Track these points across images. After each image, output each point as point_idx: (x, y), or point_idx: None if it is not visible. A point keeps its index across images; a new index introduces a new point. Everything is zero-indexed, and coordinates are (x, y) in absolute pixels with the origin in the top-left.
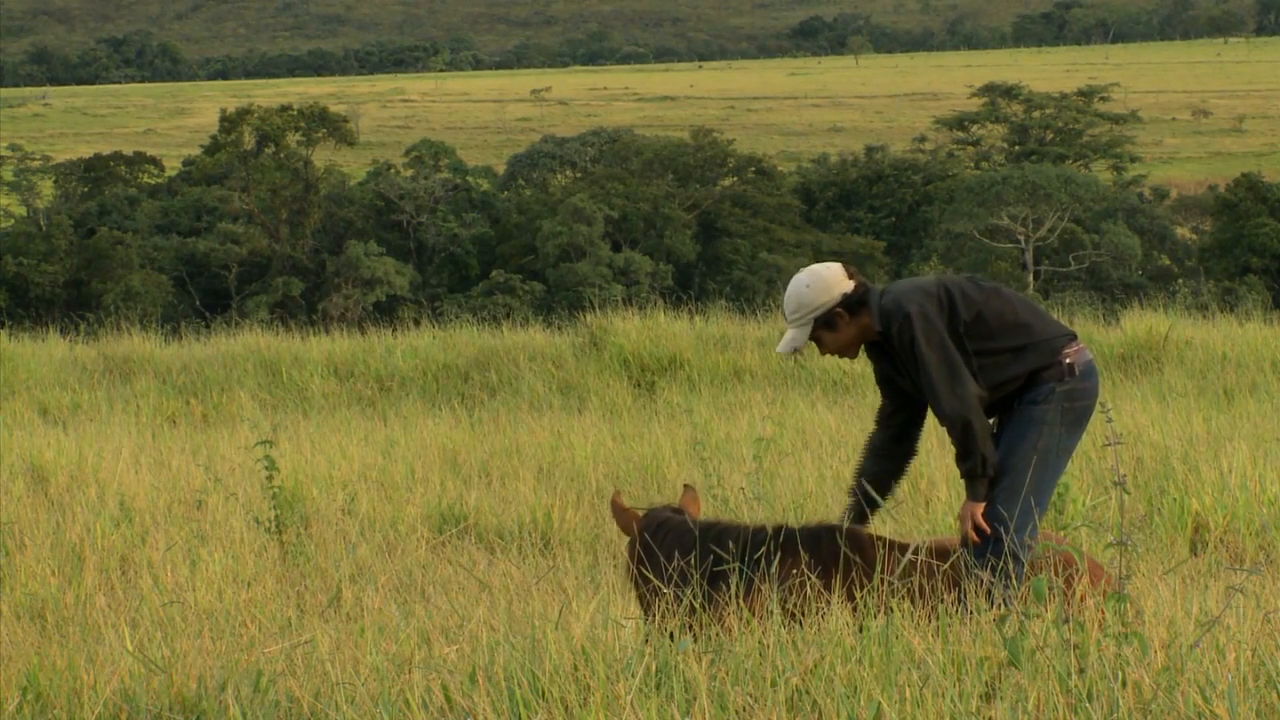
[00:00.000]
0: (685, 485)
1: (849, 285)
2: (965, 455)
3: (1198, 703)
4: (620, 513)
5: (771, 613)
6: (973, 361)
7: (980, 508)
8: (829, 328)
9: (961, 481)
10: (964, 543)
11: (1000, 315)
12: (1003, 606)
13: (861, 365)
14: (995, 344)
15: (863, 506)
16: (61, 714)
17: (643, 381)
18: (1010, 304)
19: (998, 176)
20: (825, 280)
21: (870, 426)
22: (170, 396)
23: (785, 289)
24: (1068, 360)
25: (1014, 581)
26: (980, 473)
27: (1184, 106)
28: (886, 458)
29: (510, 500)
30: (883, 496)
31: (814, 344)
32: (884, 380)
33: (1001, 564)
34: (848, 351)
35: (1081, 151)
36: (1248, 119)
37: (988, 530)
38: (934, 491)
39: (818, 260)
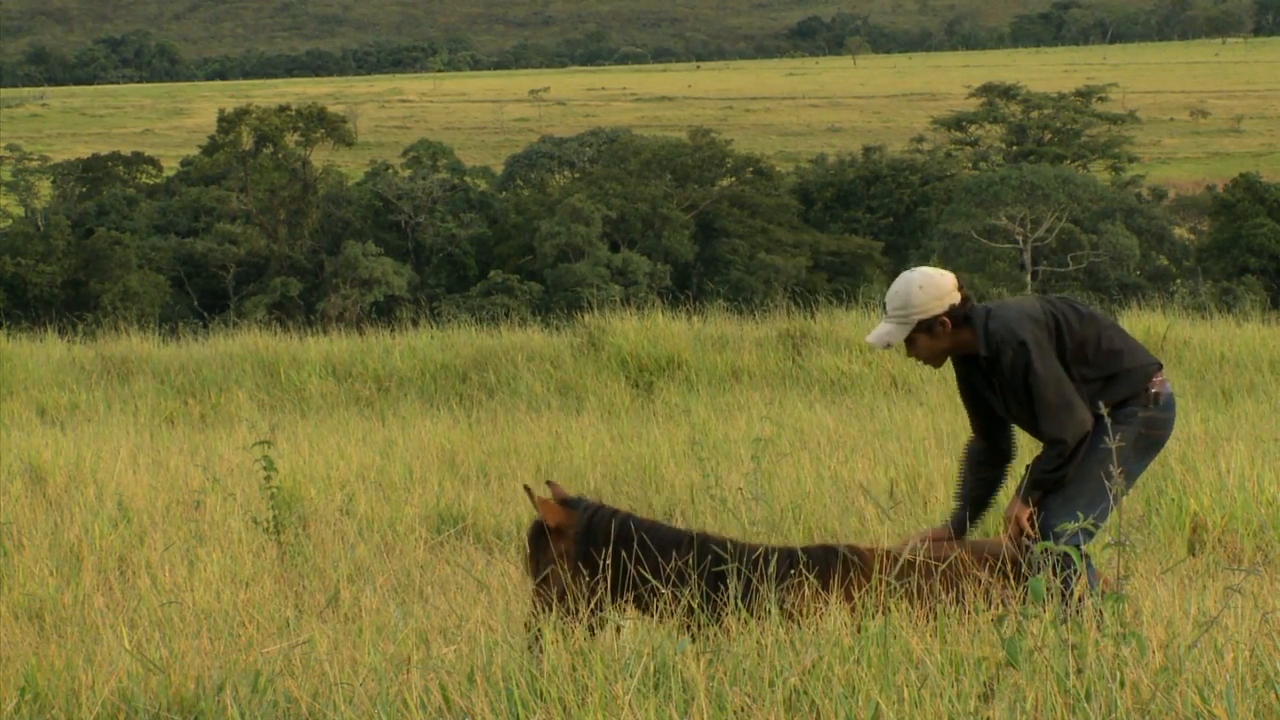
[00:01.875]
0: (549, 482)
1: (957, 298)
2: (1052, 470)
3: (1196, 703)
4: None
5: (769, 613)
6: (1080, 389)
7: (1028, 511)
8: (929, 333)
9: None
10: (1017, 543)
11: (1097, 343)
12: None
13: (859, 367)
14: (1090, 371)
15: (964, 515)
16: (60, 714)
17: (641, 382)
18: (1105, 330)
19: (996, 177)
20: (940, 286)
21: (870, 431)
22: (168, 397)
23: (891, 284)
24: (1153, 390)
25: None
26: (1050, 487)
27: (1182, 107)
28: (988, 465)
29: (508, 500)
30: (986, 503)
31: (904, 344)
32: (970, 394)
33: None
34: (936, 360)
35: (1079, 152)
36: (1246, 119)
37: (1032, 533)
38: (932, 492)
39: (815, 260)
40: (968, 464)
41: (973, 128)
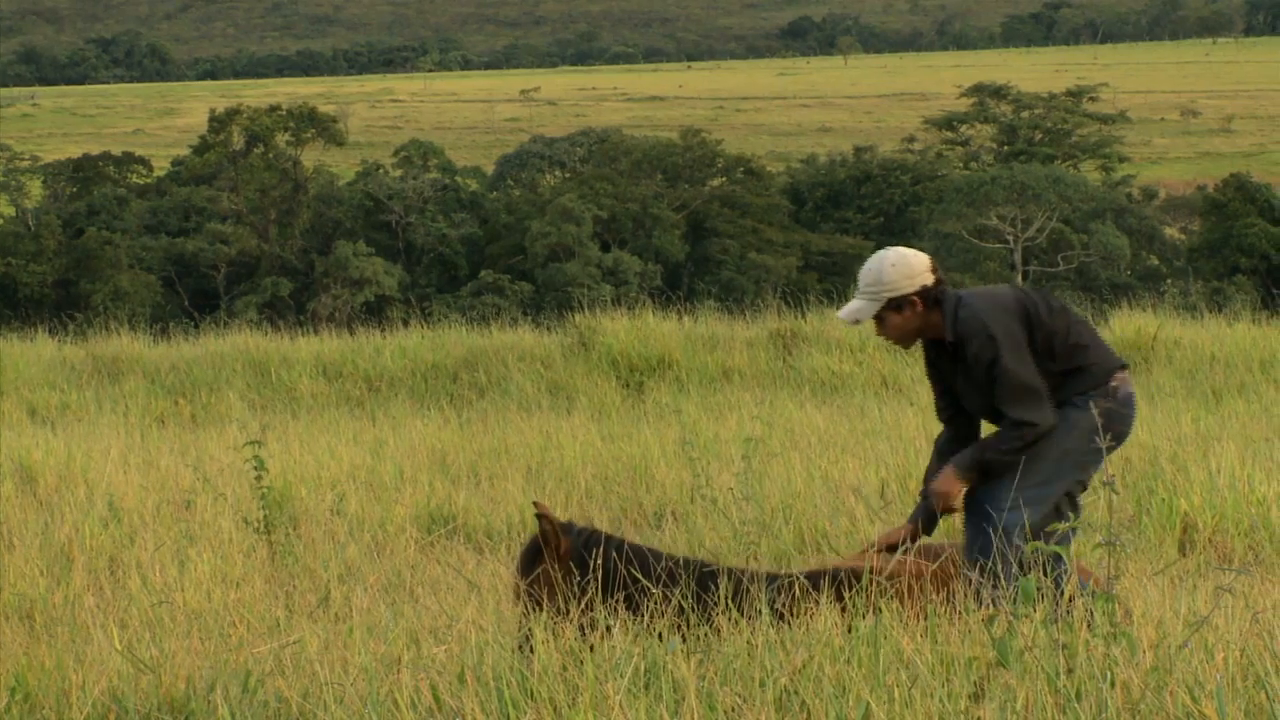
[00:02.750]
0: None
1: (930, 279)
2: (1006, 452)
3: (1186, 703)
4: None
5: (760, 613)
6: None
7: (959, 486)
8: (898, 311)
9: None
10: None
11: (1065, 336)
12: (994, 584)
13: (850, 367)
14: (1054, 365)
15: (932, 511)
16: (50, 714)
17: (631, 382)
18: (1074, 325)
19: (986, 177)
20: (912, 266)
21: (860, 430)
22: (159, 397)
23: (864, 263)
24: (1114, 384)
25: (1010, 558)
26: (996, 470)
27: (1173, 107)
28: (954, 453)
29: (499, 500)
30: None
31: (874, 322)
32: (937, 377)
33: (998, 542)
34: (905, 340)
35: (1070, 152)
36: (1236, 119)
37: (957, 508)
38: None
39: (806, 259)
40: (936, 455)
41: (964, 127)
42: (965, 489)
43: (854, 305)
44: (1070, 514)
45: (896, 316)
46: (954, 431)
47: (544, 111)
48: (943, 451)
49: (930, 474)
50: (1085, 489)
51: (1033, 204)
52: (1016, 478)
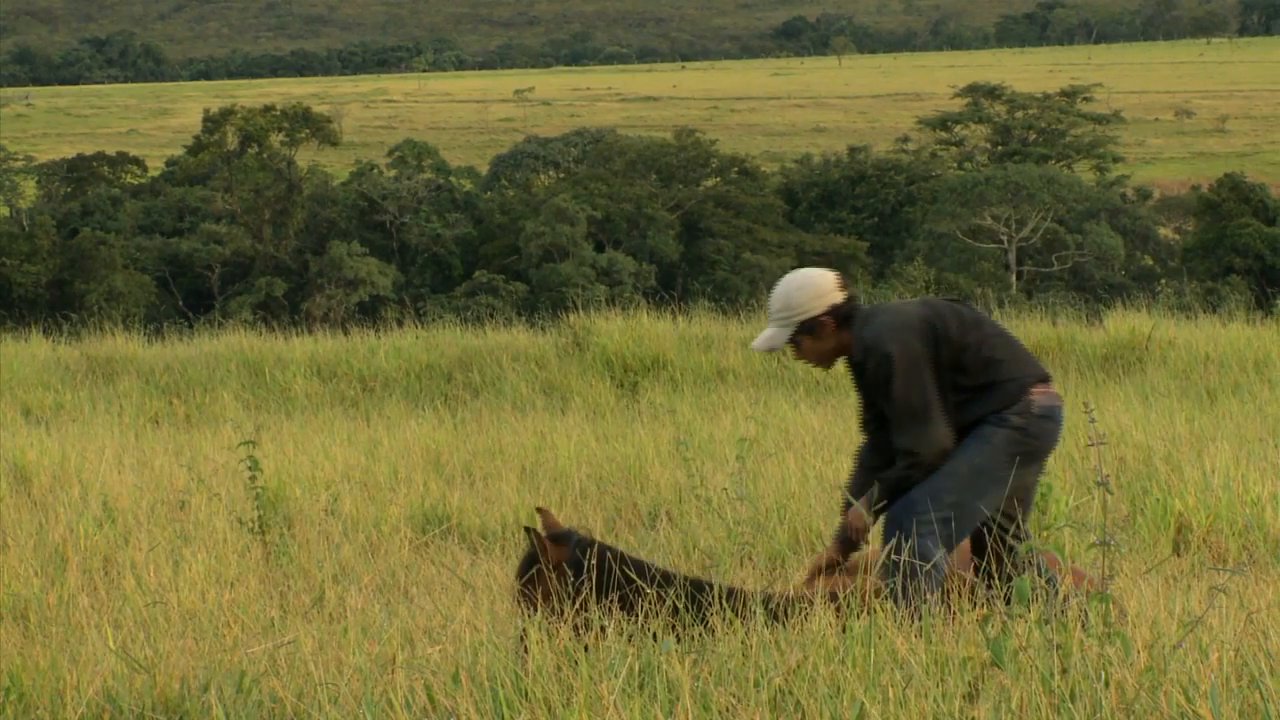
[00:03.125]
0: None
1: (840, 297)
2: (897, 481)
3: (1181, 703)
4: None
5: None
6: (948, 397)
7: (867, 524)
8: (811, 334)
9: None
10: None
11: (975, 352)
12: (907, 607)
13: (842, 366)
14: (966, 380)
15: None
16: (44, 714)
17: (626, 382)
18: (987, 339)
19: (981, 177)
20: (818, 286)
21: (854, 429)
22: (153, 397)
23: (772, 289)
24: (1031, 398)
25: (920, 585)
26: (886, 495)
27: (1167, 107)
28: (876, 469)
29: (493, 501)
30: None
31: (790, 347)
32: (861, 391)
33: (907, 563)
34: (824, 362)
35: (1064, 152)
36: (1230, 119)
37: (866, 541)
38: None
39: (801, 261)
40: (858, 467)
41: (958, 128)
42: (875, 521)
43: (767, 334)
44: (1015, 530)
45: (810, 339)
46: (875, 442)
47: (538, 111)
48: (863, 462)
49: (851, 484)
50: (1028, 507)
51: (1027, 204)
52: (929, 500)
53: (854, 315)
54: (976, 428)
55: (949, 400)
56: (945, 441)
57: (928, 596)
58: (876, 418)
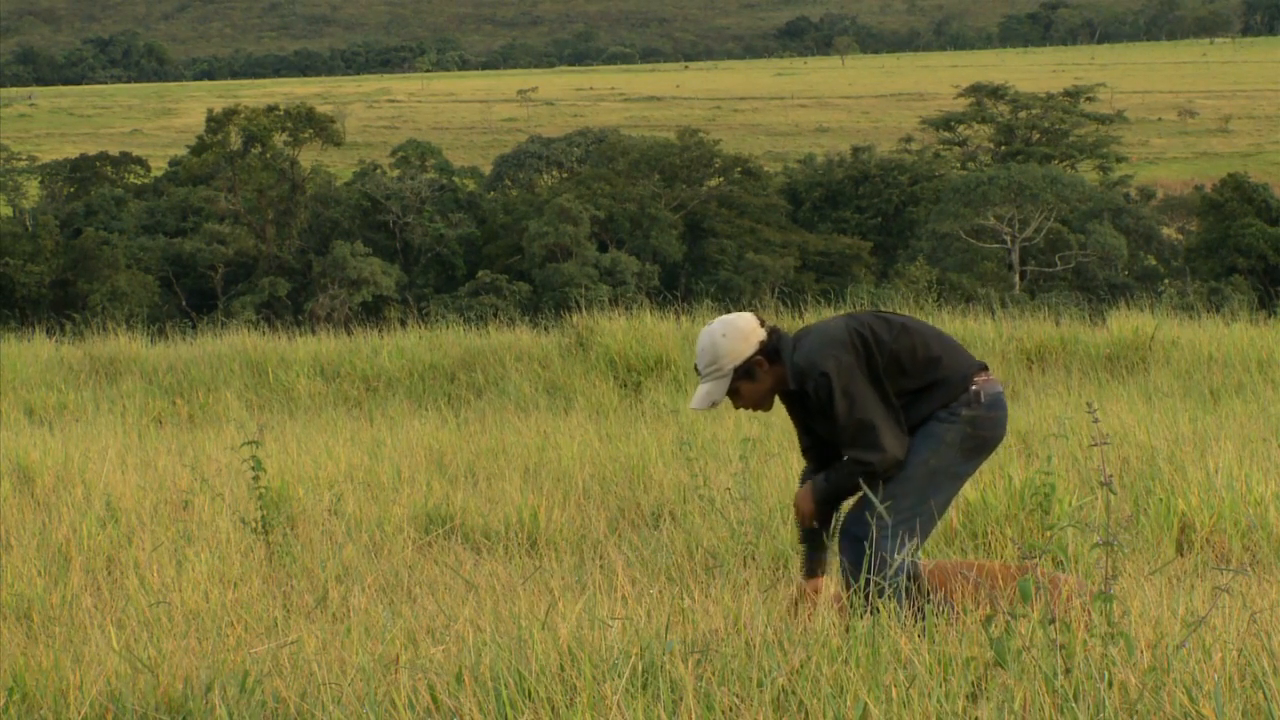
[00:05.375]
0: None
1: (763, 334)
2: (849, 484)
3: (1184, 703)
4: None
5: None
6: (894, 402)
7: (812, 507)
8: (749, 378)
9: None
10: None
11: (912, 352)
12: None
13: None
14: (910, 382)
15: (815, 554)
16: (48, 714)
17: (629, 382)
18: (921, 338)
19: (984, 177)
20: (742, 329)
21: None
22: (156, 397)
23: (696, 345)
24: (974, 388)
25: (888, 590)
26: (835, 497)
27: (1170, 107)
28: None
29: (496, 500)
30: (827, 531)
31: (730, 398)
32: (801, 424)
33: (871, 573)
34: (764, 403)
35: (1068, 152)
36: (1234, 119)
37: (812, 523)
38: None
39: (803, 260)
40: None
41: (961, 128)
42: (821, 509)
43: (703, 390)
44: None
45: (748, 384)
46: (817, 465)
47: (541, 111)
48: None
49: (802, 478)
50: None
51: (1030, 204)
52: (887, 506)
53: (781, 346)
54: (926, 425)
55: (894, 405)
56: (897, 451)
57: (903, 600)
58: (816, 444)
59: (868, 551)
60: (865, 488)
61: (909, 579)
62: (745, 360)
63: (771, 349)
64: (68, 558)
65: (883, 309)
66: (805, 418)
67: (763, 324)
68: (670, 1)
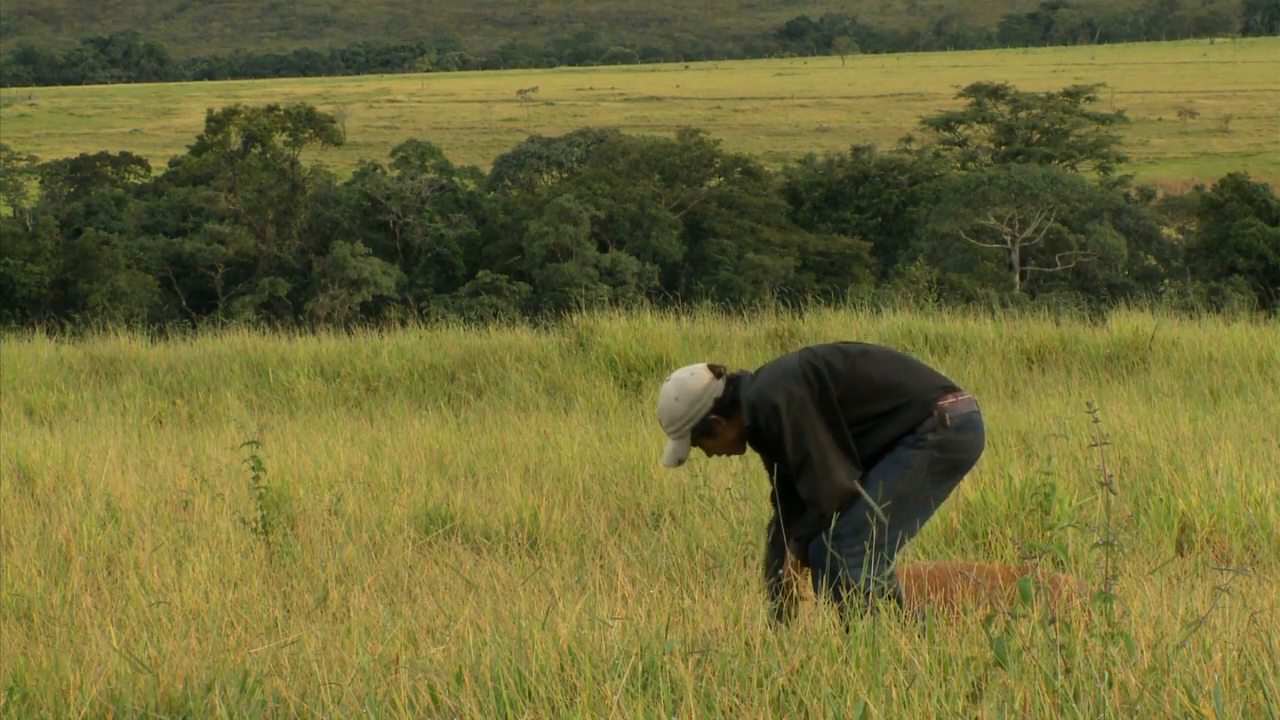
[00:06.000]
0: None
1: (718, 388)
2: (810, 530)
3: (1184, 703)
4: None
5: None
6: (847, 434)
7: (791, 560)
8: (708, 435)
9: None
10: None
11: (870, 380)
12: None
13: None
14: (870, 409)
15: (788, 605)
16: (48, 714)
17: (629, 382)
18: (880, 364)
19: (984, 177)
20: (691, 390)
21: None
22: (157, 397)
23: (670, 393)
24: (941, 413)
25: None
26: (800, 544)
27: (1170, 107)
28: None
29: (497, 500)
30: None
31: (700, 450)
32: (769, 467)
33: (840, 595)
34: (735, 450)
35: (1068, 152)
36: (1234, 119)
37: (800, 575)
38: None
39: (803, 260)
40: (771, 547)
41: (961, 128)
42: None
43: (670, 448)
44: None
45: (710, 440)
46: (786, 510)
47: (541, 111)
48: (777, 542)
49: (769, 568)
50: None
51: (1030, 204)
52: (853, 536)
53: (737, 394)
54: (893, 450)
55: (850, 436)
56: (846, 485)
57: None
58: (786, 489)
59: (839, 572)
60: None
61: (892, 599)
62: (700, 420)
63: (728, 402)
64: (68, 558)
65: (842, 341)
66: (770, 458)
67: (720, 375)
68: (670, 1)
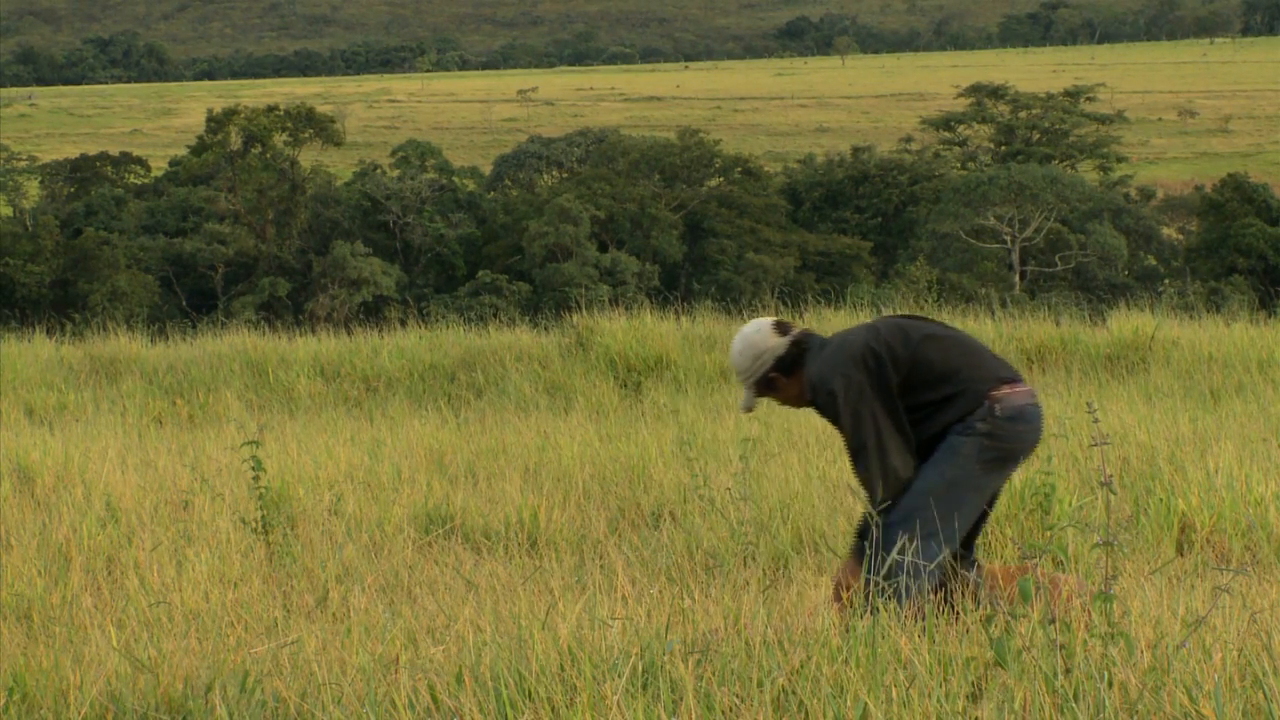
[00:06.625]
0: None
1: (781, 346)
2: (871, 515)
3: (1184, 703)
4: None
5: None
6: (904, 420)
7: (855, 578)
8: (770, 389)
9: None
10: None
11: (930, 366)
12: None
13: None
14: (927, 396)
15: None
16: (48, 714)
17: (629, 382)
18: (942, 349)
19: (984, 177)
20: (755, 345)
21: None
22: (157, 397)
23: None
24: (993, 404)
25: (903, 600)
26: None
27: (1170, 107)
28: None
29: (497, 500)
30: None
31: (770, 398)
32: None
33: (888, 582)
34: (798, 403)
35: (1068, 152)
36: (1234, 119)
37: (850, 596)
38: None
39: (803, 260)
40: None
41: (961, 128)
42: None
43: (742, 396)
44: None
45: (772, 393)
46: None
47: (541, 112)
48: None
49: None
50: (992, 507)
51: (1030, 204)
52: (906, 521)
53: (805, 355)
54: (946, 438)
55: (908, 421)
56: (902, 472)
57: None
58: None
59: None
60: (871, 504)
61: (936, 587)
62: (761, 376)
63: (789, 362)
64: (68, 558)
65: (913, 314)
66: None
67: (786, 332)
68: (670, 1)
